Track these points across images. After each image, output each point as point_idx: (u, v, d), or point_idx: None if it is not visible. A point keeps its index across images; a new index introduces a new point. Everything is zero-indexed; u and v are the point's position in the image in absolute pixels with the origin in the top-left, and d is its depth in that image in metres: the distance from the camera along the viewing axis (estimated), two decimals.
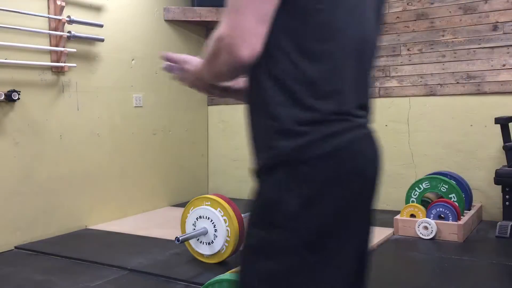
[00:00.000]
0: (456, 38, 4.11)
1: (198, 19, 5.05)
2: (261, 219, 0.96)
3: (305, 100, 0.92)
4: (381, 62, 4.45)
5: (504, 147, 3.54)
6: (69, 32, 3.84)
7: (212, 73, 1.00)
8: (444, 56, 4.17)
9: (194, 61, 1.15)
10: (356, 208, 1.00)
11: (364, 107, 1.05)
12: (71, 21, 3.83)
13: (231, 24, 0.91)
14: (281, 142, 0.92)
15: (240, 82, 1.18)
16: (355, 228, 1.00)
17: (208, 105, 5.51)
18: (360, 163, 0.97)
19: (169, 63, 1.19)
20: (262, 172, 0.97)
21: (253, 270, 0.96)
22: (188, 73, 1.16)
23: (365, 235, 1.06)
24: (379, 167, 1.06)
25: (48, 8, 3.78)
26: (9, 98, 3.43)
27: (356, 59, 0.98)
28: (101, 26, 4.11)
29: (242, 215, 2.98)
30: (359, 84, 1.00)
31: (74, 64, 3.91)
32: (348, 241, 0.98)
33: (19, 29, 3.51)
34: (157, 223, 4.18)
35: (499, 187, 3.53)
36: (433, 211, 3.50)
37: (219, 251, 2.90)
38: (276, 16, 0.92)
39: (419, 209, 3.54)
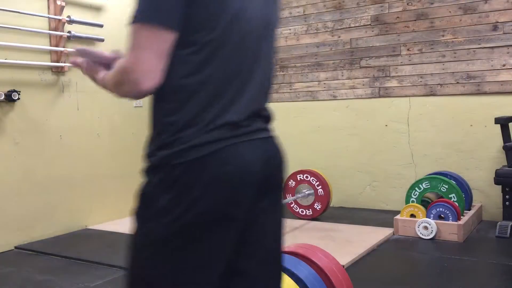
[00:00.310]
0: (456, 38, 4.11)
1: None
2: (140, 212, 1.11)
3: (188, 112, 1.06)
4: (381, 62, 4.46)
5: (504, 147, 3.54)
6: (69, 32, 3.84)
7: (117, 93, 1.11)
8: (444, 56, 4.17)
9: (105, 62, 1.22)
10: (226, 208, 1.07)
11: (255, 114, 1.14)
12: (71, 21, 3.83)
13: (134, 61, 1.03)
14: (161, 150, 1.07)
15: None
16: (225, 224, 1.08)
17: None
18: (231, 168, 1.06)
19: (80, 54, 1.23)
20: (145, 172, 1.12)
21: (132, 256, 1.11)
22: (92, 74, 1.22)
23: (239, 230, 1.11)
24: (265, 170, 1.14)
25: (48, 8, 3.78)
26: (9, 98, 3.43)
27: (243, 82, 1.11)
28: (101, 26, 4.11)
29: None
30: (250, 92, 1.12)
31: None
32: (215, 235, 1.07)
33: (19, 29, 3.51)
34: None
35: (499, 187, 3.53)
36: (433, 211, 3.50)
37: None
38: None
39: (419, 209, 3.54)
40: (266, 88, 1.20)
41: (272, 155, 1.20)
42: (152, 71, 1.03)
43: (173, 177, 1.05)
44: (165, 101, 1.08)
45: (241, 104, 1.10)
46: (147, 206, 1.10)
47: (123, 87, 1.07)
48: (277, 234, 1.23)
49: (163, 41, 1.03)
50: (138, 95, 1.08)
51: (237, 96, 1.10)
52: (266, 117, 1.21)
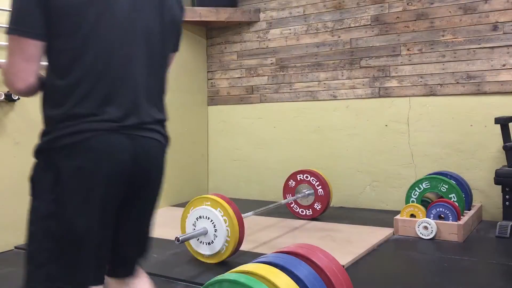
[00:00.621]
0: (456, 38, 4.11)
1: (198, 19, 5.05)
2: (30, 191, 1.34)
3: (59, 107, 1.29)
4: (381, 62, 4.46)
5: (504, 147, 3.54)
6: None
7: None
8: (444, 56, 4.17)
9: None
10: (92, 188, 1.28)
11: (132, 113, 1.32)
12: None
13: (7, 65, 1.28)
14: (44, 136, 1.34)
15: None
16: (94, 201, 1.29)
17: (208, 105, 5.52)
18: (96, 155, 1.27)
19: None
20: (34, 156, 1.35)
21: (28, 230, 1.31)
22: None
23: (104, 203, 1.32)
24: (134, 162, 1.34)
25: None
26: (9, 98, 3.43)
27: (112, 74, 1.30)
28: None
29: (242, 215, 2.98)
30: (125, 94, 1.31)
31: None
32: (84, 205, 1.29)
33: None
34: (157, 223, 4.16)
35: (499, 187, 3.53)
36: (433, 211, 3.50)
37: (219, 251, 2.90)
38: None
39: (419, 209, 3.54)
40: (151, 91, 1.38)
41: (145, 151, 1.38)
42: (21, 73, 1.27)
43: (51, 160, 1.30)
44: (47, 99, 1.35)
45: (114, 103, 1.29)
46: (34, 186, 1.33)
47: (7, 87, 1.33)
48: (146, 218, 1.54)
49: (28, 48, 1.25)
50: (19, 94, 1.36)
51: (109, 96, 1.29)
52: (152, 117, 1.39)
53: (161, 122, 1.45)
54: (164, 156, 1.51)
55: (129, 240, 1.50)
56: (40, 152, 1.35)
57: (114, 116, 1.29)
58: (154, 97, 1.41)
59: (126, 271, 1.55)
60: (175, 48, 1.63)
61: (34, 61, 1.28)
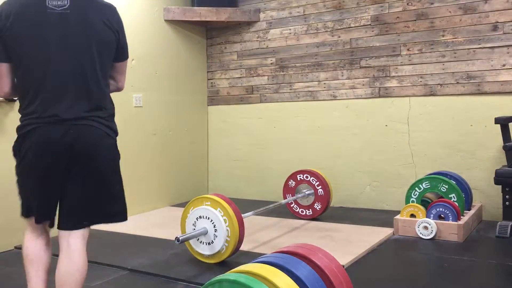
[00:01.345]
0: (456, 38, 4.11)
1: (198, 19, 5.05)
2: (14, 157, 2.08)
3: (21, 108, 1.97)
4: (381, 62, 4.46)
5: (504, 147, 3.54)
6: None
7: None
8: (444, 56, 4.17)
9: None
10: (35, 161, 1.95)
11: (64, 111, 1.88)
12: None
13: None
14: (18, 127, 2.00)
15: None
16: (36, 168, 1.96)
17: (208, 105, 5.52)
18: (35, 139, 1.92)
19: None
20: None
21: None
22: None
23: (42, 171, 1.95)
24: (64, 143, 1.89)
25: None
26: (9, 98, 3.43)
27: (46, 90, 1.90)
28: None
29: (242, 215, 2.98)
30: (43, 98, 1.90)
31: None
32: (32, 172, 1.98)
33: None
34: (157, 223, 4.18)
35: (499, 187, 3.53)
36: (433, 211, 3.50)
37: (219, 251, 2.90)
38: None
39: (419, 209, 3.54)
40: (72, 95, 1.90)
41: (68, 134, 1.89)
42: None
43: (18, 142, 2.02)
44: (19, 101, 2.00)
45: (42, 105, 1.88)
46: (13, 155, 2.08)
47: None
48: (90, 187, 1.97)
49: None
50: (3, 97, 2.28)
51: (35, 99, 1.89)
52: (83, 110, 1.92)
53: (93, 115, 1.96)
54: (94, 137, 1.95)
55: (72, 200, 1.97)
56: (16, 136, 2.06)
57: (44, 114, 1.92)
58: (64, 100, 1.90)
59: (65, 225, 1.99)
60: (119, 58, 2.08)
61: (4, 77, 1.95)
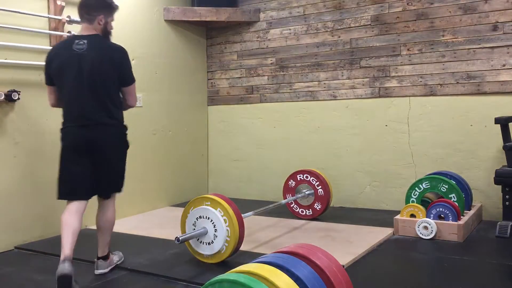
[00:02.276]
0: (456, 38, 4.11)
1: (198, 19, 5.05)
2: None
3: (62, 114, 2.84)
4: (381, 62, 4.46)
5: (504, 147, 3.54)
6: (69, 32, 3.84)
7: None
8: (444, 56, 4.17)
9: None
10: (66, 148, 2.80)
11: (76, 120, 2.76)
12: (71, 21, 3.82)
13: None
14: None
15: None
16: (69, 151, 2.79)
17: (208, 105, 5.52)
18: (66, 136, 2.79)
19: None
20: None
21: None
22: None
23: (83, 161, 2.78)
24: (82, 139, 2.76)
25: (48, 8, 3.78)
26: (9, 98, 3.43)
27: (72, 104, 2.78)
28: None
29: (242, 215, 2.98)
30: (75, 112, 2.77)
31: None
32: (66, 154, 2.80)
33: (19, 29, 3.51)
34: (157, 223, 4.18)
35: (499, 187, 3.53)
36: (433, 211, 3.50)
37: (219, 251, 2.90)
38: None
39: (419, 209, 3.54)
40: (84, 109, 2.75)
41: (89, 134, 2.74)
42: (48, 100, 2.92)
43: (60, 135, 2.81)
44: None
45: (71, 115, 2.78)
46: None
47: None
48: (106, 169, 2.84)
49: (48, 89, 2.89)
50: (52, 106, 2.97)
51: (67, 111, 2.81)
52: (90, 119, 2.76)
53: (93, 120, 2.78)
54: (106, 138, 2.80)
55: (99, 178, 2.83)
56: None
57: (71, 120, 2.81)
58: (87, 111, 2.76)
59: (102, 195, 2.92)
60: (123, 84, 2.89)
61: (51, 94, 2.90)
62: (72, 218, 2.75)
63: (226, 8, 5.08)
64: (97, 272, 2.88)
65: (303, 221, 4.07)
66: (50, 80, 2.82)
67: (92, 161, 2.76)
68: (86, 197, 2.82)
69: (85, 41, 2.74)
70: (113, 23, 2.95)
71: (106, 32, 2.88)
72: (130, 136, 4.59)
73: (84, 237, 3.80)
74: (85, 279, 2.80)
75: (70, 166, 2.77)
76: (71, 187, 2.77)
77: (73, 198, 2.78)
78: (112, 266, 2.96)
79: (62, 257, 2.60)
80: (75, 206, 2.78)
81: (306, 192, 4.11)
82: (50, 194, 3.81)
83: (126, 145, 2.97)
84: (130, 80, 2.90)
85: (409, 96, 4.35)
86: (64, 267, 2.53)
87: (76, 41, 2.75)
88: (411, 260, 3.05)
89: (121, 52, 2.84)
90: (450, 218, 3.43)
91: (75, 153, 2.75)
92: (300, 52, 4.89)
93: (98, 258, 2.92)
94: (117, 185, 2.93)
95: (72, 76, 2.72)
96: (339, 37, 4.66)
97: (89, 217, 4.12)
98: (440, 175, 3.79)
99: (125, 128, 2.95)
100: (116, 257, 3.05)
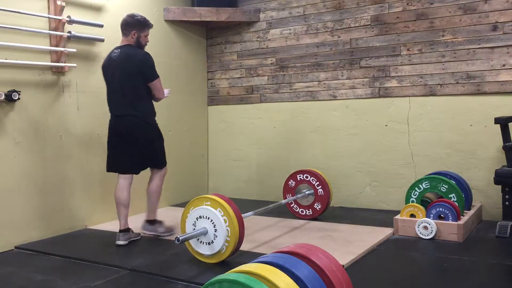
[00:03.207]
0: (456, 38, 4.11)
1: (198, 19, 5.05)
2: None
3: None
4: (381, 62, 4.46)
5: (504, 147, 3.54)
6: (69, 32, 3.85)
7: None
8: (444, 56, 4.17)
9: None
10: (110, 133, 3.59)
11: (113, 111, 3.56)
12: (71, 21, 3.83)
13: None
14: None
15: None
16: (111, 137, 3.58)
17: (208, 105, 5.52)
18: (109, 124, 3.60)
19: None
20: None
21: None
22: None
23: (119, 143, 3.53)
24: (117, 126, 3.54)
25: (48, 8, 3.78)
26: (9, 98, 3.43)
27: (111, 100, 3.58)
28: (101, 26, 4.11)
29: (242, 215, 2.98)
30: (112, 106, 3.58)
31: (74, 64, 3.92)
32: (110, 139, 3.60)
33: (19, 29, 3.51)
34: None
35: (499, 187, 3.53)
36: (433, 211, 3.50)
37: (219, 251, 2.90)
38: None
39: (419, 209, 3.54)
40: (117, 104, 3.52)
41: (120, 122, 3.50)
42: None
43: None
44: None
45: (110, 108, 3.57)
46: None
47: None
48: (139, 150, 3.53)
49: None
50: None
51: (109, 106, 3.58)
52: (120, 111, 3.50)
53: (127, 113, 3.50)
54: (131, 126, 3.48)
55: (137, 156, 3.55)
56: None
57: (113, 111, 3.57)
58: (123, 105, 3.50)
59: (142, 168, 3.67)
60: (147, 81, 3.51)
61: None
62: (119, 193, 3.53)
63: (226, 8, 5.08)
64: (118, 243, 3.47)
65: (303, 221, 4.07)
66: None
67: (129, 143, 3.46)
68: (127, 171, 3.56)
69: (119, 50, 3.50)
70: (148, 37, 3.66)
71: (139, 43, 3.56)
72: None
73: (84, 237, 3.80)
74: (85, 279, 2.81)
75: (110, 147, 3.56)
76: (112, 163, 3.57)
77: (116, 171, 3.58)
78: (134, 239, 3.60)
79: (118, 230, 3.52)
80: (121, 182, 3.55)
81: (306, 192, 4.11)
82: (50, 194, 3.82)
83: (152, 131, 3.59)
84: (152, 77, 3.49)
85: (409, 96, 4.35)
86: (118, 239, 3.46)
87: (114, 50, 3.53)
88: (411, 260, 3.05)
89: (143, 56, 3.47)
90: (450, 218, 3.43)
91: (114, 136, 3.53)
92: (300, 52, 4.89)
93: (146, 221, 3.76)
94: (152, 162, 3.64)
95: (109, 78, 3.52)
96: (339, 37, 4.67)
97: (89, 217, 4.13)
98: (440, 175, 3.79)
99: (149, 117, 3.58)
100: (161, 229, 3.70)
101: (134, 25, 3.54)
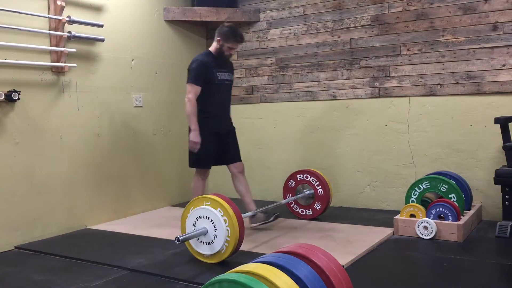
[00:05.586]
0: (456, 38, 4.11)
1: (198, 19, 5.05)
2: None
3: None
4: (381, 62, 4.46)
5: (504, 147, 3.54)
6: (69, 32, 3.85)
7: None
8: (444, 56, 4.17)
9: None
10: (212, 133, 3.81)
11: (223, 115, 3.92)
12: (71, 21, 3.83)
13: None
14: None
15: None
16: (209, 138, 3.77)
17: None
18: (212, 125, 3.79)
19: None
20: None
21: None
22: None
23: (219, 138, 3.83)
24: (220, 127, 3.85)
25: (48, 8, 3.78)
26: (9, 98, 3.43)
27: (218, 105, 3.86)
28: (101, 26, 4.11)
29: (242, 215, 2.98)
30: (222, 109, 3.91)
31: (74, 64, 3.92)
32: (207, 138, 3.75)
33: (19, 29, 3.51)
34: (157, 223, 4.18)
35: (499, 187, 3.53)
36: (433, 211, 3.50)
37: (219, 251, 2.90)
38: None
39: (419, 209, 3.54)
40: (226, 107, 3.95)
41: (225, 122, 3.93)
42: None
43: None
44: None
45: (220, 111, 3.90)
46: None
47: None
48: (232, 145, 3.94)
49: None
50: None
51: (216, 108, 3.85)
52: (224, 114, 3.94)
53: (229, 116, 3.95)
54: (230, 126, 3.95)
55: (227, 152, 3.89)
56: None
57: (216, 113, 3.85)
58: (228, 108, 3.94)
59: (231, 162, 3.92)
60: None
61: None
62: (235, 186, 4.00)
63: (226, 8, 5.08)
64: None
65: (303, 221, 4.07)
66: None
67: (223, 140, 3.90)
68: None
69: None
70: (232, 51, 3.77)
71: (221, 51, 3.71)
72: (131, 136, 4.63)
73: (85, 237, 3.80)
74: (85, 279, 2.81)
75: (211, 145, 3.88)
76: None
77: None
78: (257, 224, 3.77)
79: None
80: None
81: (306, 192, 4.11)
82: (50, 194, 3.82)
83: (202, 129, 3.70)
84: (187, 79, 3.70)
85: (409, 96, 4.35)
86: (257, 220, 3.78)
87: None
88: (411, 260, 3.05)
89: (193, 59, 3.72)
90: (450, 218, 3.43)
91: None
92: (300, 52, 4.89)
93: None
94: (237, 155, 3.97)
95: (220, 85, 3.85)
96: (339, 37, 4.66)
97: (89, 217, 4.13)
98: (440, 175, 3.79)
99: (201, 115, 3.70)
100: (262, 216, 3.76)
101: (222, 33, 3.65)
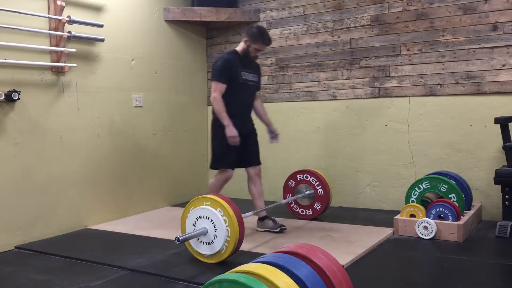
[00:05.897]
0: (456, 38, 4.11)
1: (198, 19, 5.05)
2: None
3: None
4: (381, 62, 4.46)
5: (504, 147, 3.54)
6: (69, 32, 3.85)
7: None
8: (444, 56, 4.17)
9: None
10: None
11: (245, 115, 3.78)
12: (71, 21, 3.83)
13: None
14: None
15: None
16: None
17: (208, 105, 5.51)
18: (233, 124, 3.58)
19: None
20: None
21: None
22: None
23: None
24: (241, 127, 3.61)
25: (48, 8, 3.78)
26: (9, 98, 3.43)
27: (241, 105, 3.71)
28: (101, 26, 4.11)
29: (242, 215, 2.98)
30: (244, 110, 3.78)
31: (74, 64, 3.92)
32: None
33: (19, 29, 3.51)
34: (157, 223, 4.18)
35: (499, 187, 3.53)
36: (433, 211, 3.50)
37: (219, 251, 2.90)
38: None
39: (419, 209, 3.54)
40: (248, 108, 3.82)
41: (247, 122, 3.81)
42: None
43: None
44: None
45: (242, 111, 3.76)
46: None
47: None
48: (252, 146, 3.83)
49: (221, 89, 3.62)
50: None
51: (238, 107, 3.68)
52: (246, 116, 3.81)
53: (251, 117, 3.85)
54: (252, 127, 3.84)
55: (248, 153, 3.78)
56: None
57: (241, 116, 3.71)
58: (250, 110, 3.83)
59: (250, 164, 3.85)
60: (259, 89, 3.91)
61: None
62: (249, 188, 3.92)
63: (226, 8, 5.08)
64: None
65: (303, 221, 4.07)
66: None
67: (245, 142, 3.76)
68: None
69: None
70: (258, 53, 3.70)
71: (247, 51, 3.66)
72: (131, 136, 4.63)
73: (84, 237, 3.80)
74: (85, 279, 2.81)
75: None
76: None
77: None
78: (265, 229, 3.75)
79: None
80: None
81: (306, 192, 4.11)
82: (50, 194, 3.82)
83: (212, 130, 3.72)
84: (212, 77, 3.61)
85: (409, 96, 4.35)
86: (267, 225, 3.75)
87: None
88: (411, 260, 3.05)
89: (217, 57, 3.70)
90: (450, 218, 3.43)
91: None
92: (300, 52, 4.89)
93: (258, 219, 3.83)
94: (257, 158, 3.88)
95: (244, 86, 3.75)
96: (339, 37, 4.66)
97: (89, 217, 4.13)
98: (440, 175, 3.79)
99: (214, 117, 3.66)
100: (270, 223, 3.73)
101: (251, 34, 3.61)
